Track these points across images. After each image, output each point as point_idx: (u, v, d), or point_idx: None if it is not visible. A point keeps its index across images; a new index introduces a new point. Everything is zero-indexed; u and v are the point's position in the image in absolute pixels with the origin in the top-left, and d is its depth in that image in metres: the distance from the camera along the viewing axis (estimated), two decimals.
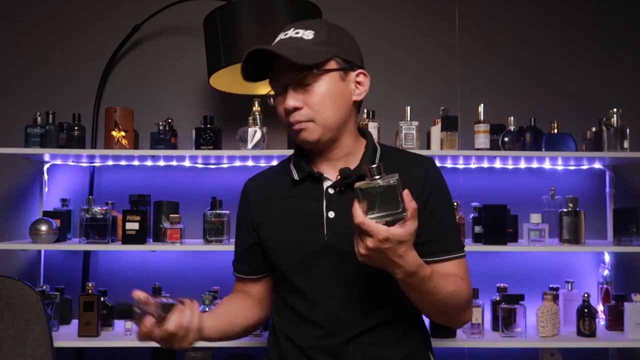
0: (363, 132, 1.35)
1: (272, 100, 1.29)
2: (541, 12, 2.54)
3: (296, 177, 1.29)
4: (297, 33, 1.23)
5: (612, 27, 2.53)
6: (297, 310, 1.27)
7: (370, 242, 1.05)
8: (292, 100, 1.21)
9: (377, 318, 1.24)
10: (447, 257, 1.24)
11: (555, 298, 2.17)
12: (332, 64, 1.22)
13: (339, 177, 1.25)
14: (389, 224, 1.04)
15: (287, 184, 1.31)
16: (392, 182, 1.04)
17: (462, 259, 1.27)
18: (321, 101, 1.21)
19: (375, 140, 1.34)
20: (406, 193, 1.05)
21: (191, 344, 1.17)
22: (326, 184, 1.27)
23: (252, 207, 1.35)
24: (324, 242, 1.24)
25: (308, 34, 1.22)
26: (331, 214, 1.24)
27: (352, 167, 1.26)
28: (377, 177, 1.05)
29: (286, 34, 1.25)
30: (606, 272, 2.30)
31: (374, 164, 1.08)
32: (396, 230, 1.04)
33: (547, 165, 2.39)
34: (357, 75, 1.27)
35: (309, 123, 1.22)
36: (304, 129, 1.22)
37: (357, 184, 1.06)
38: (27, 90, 2.44)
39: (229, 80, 2.10)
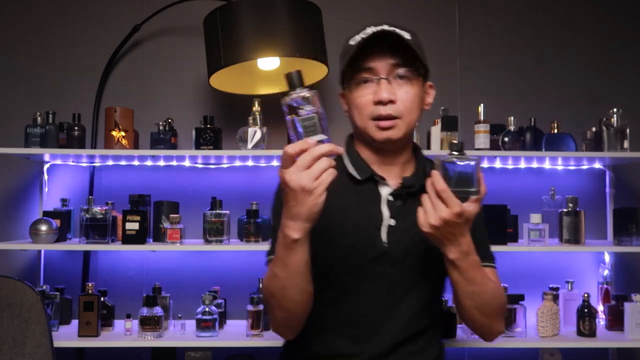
0: (413, 144, 1.34)
1: (348, 89, 1.24)
2: (541, 13, 2.53)
3: (358, 176, 1.25)
4: (393, 30, 1.20)
5: (612, 27, 2.53)
6: (336, 312, 1.23)
7: (445, 213, 1.06)
8: (388, 92, 1.19)
9: (416, 327, 1.24)
10: (483, 264, 1.23)
11: (555, 298, 2.17)
12: (422, 68, 1.23)
13: (400, 184, 1.24)
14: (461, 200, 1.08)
15: (345, 182, 1.25)
16: (474, 162, 1.08)
17: (495, 270, 1.29)
18: (413, 100, 1.22)
19: None
20: (482, 176, 1.09)
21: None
22: (385, 189, 1.25)
23: None
24: (383, 249, 1.22)
25: (405, 34, 1.20)
26: (392, 222, 1.23)
27: (407, 174, 1.26)
28: (457, 153, 1.09)
29: (380, 28, 1.19)
30: (606, 272, 2.30)
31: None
32: (470, 207, 1.07)
33: (547, 165, 2.39)
34: (430, 86, 1.29)
35: (397, 120, 1.20)
36: (393, 126, 1.20)
37: (441, 158, 1.09)
38: (27, 90, 2.44)
39: (229, 80, 2.09)
